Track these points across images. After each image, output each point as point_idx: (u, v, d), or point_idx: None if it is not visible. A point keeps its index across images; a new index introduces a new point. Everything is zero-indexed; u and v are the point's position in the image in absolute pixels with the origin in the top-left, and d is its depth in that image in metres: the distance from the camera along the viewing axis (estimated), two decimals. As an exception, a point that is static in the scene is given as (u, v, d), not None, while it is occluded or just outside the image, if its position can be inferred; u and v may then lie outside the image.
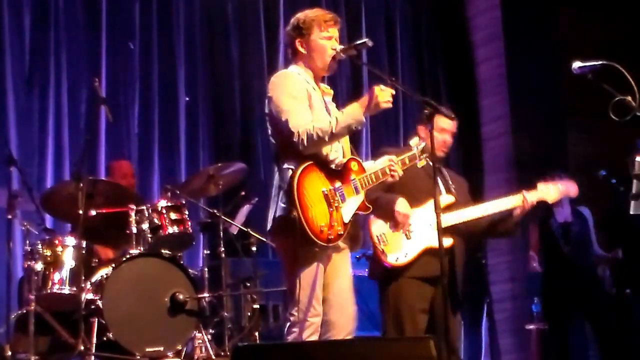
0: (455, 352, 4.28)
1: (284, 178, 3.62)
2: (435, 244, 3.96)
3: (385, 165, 3.78)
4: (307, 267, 3.59)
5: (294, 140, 3.58)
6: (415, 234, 4.25)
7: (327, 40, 3.75)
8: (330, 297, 3.69)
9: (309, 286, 3.59)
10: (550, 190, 4.49)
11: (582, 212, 6.30)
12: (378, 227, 4.29)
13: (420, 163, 3.92)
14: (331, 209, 3.58)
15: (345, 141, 3.85)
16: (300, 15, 3.82)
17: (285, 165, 3.64)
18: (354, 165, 3.74)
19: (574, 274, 6.05)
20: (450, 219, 4.28)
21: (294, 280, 3.61)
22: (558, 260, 6.17)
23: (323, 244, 3.55)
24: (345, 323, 3.68)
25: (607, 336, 6.05)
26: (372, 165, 3.83)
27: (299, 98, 3.65)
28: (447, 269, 4.12)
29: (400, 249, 4.25)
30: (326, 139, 3.58)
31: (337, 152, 3.77)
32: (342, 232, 3.61)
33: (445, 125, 4.41)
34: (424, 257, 4.25)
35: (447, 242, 4.23)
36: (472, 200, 4.56)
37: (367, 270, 4.62)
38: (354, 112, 3.61)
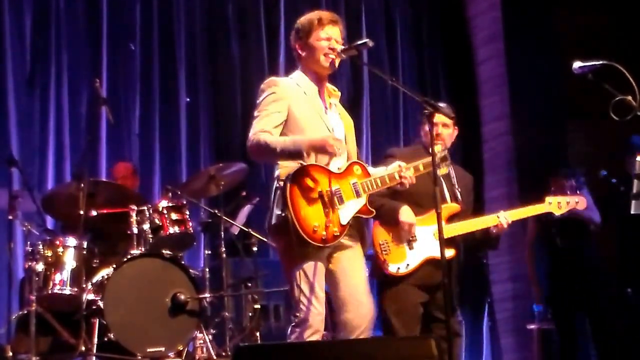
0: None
1: (280, 179, 3.65)
2: (437, 255, 4.02)
3: (395, 170, 3.78)
4: (303, 267, 3.60)
5: (247, 144, 3.68)
6: (417, 244, 4.26)
7: (325, 42, 3.76)
8: (340, 296, 3.69)
9: (306, 285, 3.59)
10: (559, 205, 4.50)
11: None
12: (381, 234, 4.30)
13: (442, 170, 3.96)
14: (327, 210, 3.59)
15: (352, 145, 3.86)
16: (301, 18, 3.86)
17: (282, 167, 3.69)
18: (356, 169, 3.74)
19: (571, 270, 6.05)
20: (448, 230, 4.28)
21: (292, 280, 3.63)
22: (555, 255, 6.17)
23: (317, 244, 3.56)
24: (359, 321, 3.66)
25: (606, 335, 6.05)
26: (382, 170, 3.83)
27: (273, 107, 3.69)
28: (427, 280, 4.22)
29: (402, 259, 4.26)
30: (270, 154, 3.62)
31: (342, 156, 3.75)
32: (338, 234, 3.61)
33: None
34: (424, 267, 4.27)
35: (449, 253, 4.24)
36: (473, 203, 4.56)
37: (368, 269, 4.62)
38: (300, 143, 3.60)
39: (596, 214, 6.15)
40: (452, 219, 4.34)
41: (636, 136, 6.01)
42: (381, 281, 4.40)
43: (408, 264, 4.25)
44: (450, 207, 4.36)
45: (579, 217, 6.06)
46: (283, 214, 3.56)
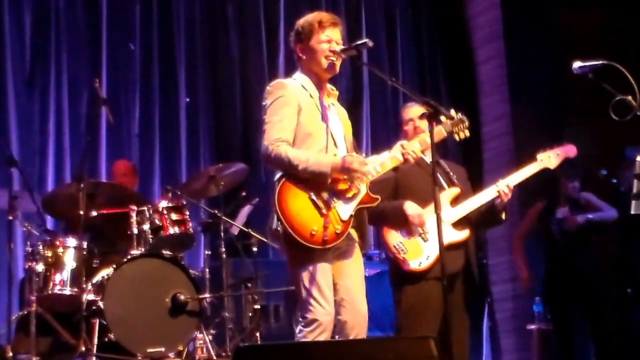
0: (462, 351, 4.28)
1: (274, 187, 3.65)
2: (453, 239, 4.20)
3: (397, 150, 3.77)
4: (309, 268, 3.59)
5: (263, 151, 3.62)
6: (430, 235, 4.24)
7: (326, 44, 3.74)
8: (338, 298, 3.67)
9: (314, 286, 3.58)
10: (550, 158, 4.52)
11: (583, 199, 6.19)
12: (393, 236, 4.28)
13: (463, 134, 4.08)
14: (323, 211, 3.57)
15: (348, 140, 3.85)
16: (300, 20, 3.84)
17: (276, 174, 3.68)
18: None
19: (573, 272, 6.04)
20: (456, 213, 4.29)
21: (298, 282, 3.62)
22: (556, 257, 6.15)
23: (318, 247, 3.55)
24: (355, 323, 3.66)
25: (605, 336, 6.03)
26: (384, 155, 3.80)
27: (285, 112, 3.65)
28: (449, 268, 4.12)
29: (420, 253, 4.24)
30: (292, 169, 3.56)
31: (336, 155, 3.73)
32: (340, 230, 3.60)
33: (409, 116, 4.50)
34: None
35: (464, 234, 4.29)
36: (471, 189, 4.56)
37: (376, 271, 4.59)
38: (325, 167, 3.57)
39: (609, 210, 6.10)
40: (455, 201, 4.34)
41: (630, 150, 5.99)
42: (399, 282, 4.36)
43: (428, 256, 4.23)
44: (450, 192, 4.36)
45: (593, 223, 6.03)
46: (278, 228, 3.57)
